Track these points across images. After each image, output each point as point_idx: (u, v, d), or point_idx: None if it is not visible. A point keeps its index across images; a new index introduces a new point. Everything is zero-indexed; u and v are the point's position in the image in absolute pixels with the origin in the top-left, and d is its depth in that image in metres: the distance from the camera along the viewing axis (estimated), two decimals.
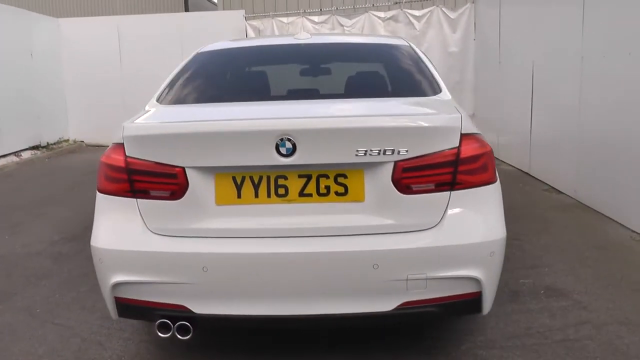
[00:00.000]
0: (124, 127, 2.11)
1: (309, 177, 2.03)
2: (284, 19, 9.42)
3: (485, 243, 2.06)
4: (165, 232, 2.06)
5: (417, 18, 9.08)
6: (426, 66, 2.71)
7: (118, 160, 2.08)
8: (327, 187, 2.03)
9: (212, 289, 2.01)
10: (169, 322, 2.05)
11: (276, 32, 9.41)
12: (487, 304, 2.13)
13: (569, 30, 4.99)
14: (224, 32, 9.49)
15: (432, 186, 2.04)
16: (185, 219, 2.05)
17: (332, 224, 2.02)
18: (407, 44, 2.98)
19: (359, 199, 2.03)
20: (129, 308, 2.13)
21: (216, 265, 1.99)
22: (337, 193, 2.03)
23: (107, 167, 2.13)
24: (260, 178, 2.03)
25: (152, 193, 2.06)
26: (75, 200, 5.78)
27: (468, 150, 2.06)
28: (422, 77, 2.61)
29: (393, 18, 9.18)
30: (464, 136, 2.06)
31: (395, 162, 2.01)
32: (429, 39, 9.00)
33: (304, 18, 9.40)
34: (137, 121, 2.22)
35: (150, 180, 2.05)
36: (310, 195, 2.03)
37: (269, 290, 2.02)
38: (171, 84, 2.68)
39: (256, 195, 2.04)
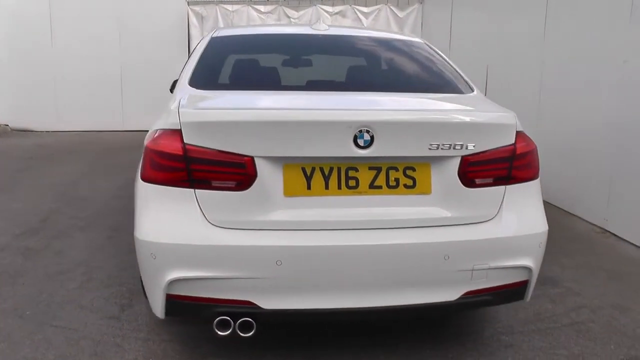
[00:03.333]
0: (179, 112, 1.98)
1: (379, 170, 2.03)
2: (229, 7, 9.19)
3: (536, 234, 2.18)
4: (227, 225, 1.96)
5: (365, 15, 9.23)
6: (450, 65, 2.79)
7: (174, 147, 1.95)
8: (397, 180, 2.04)
9: (284, 283, 1.95)
10: (229, 319, 1.97)
11: (220, 20, 9.16)
12: (530, 292, 2.25)
13: (530, 34, 5.32)
14: (164, 16, 9.12)
15: (491, 180, 2.12)
16: (251, 211, 1.96)
17: (401, 216, 2.04)
18: (423, 42, 3.04)
19: (426, 191, 2.07)
20: (181, 306, 2.00)
21: (291, 259, 1.93)
22: (405, 186, 2.05)
23: (158, 154, 1.99)
24: (331, 169, 2.00)
25: (215, 183, 1.95)
26: (19, 190, 5.34)
27: (522, 147, 2.16)
28: (451, 75, 2.68)
29: (341, 13, 9.27)
30: (518, 133, 2.16)
31: (462, 157, 2.06)
32: None
33: (249, 7, 9.22)
34: (190, 106, 2.09)
35: (213, 169, 1.94)
36: (380, 187, 2.03)
37: (341, 282, 1.99)
38: (200, 68, 2.54)
39: (326, 187, 2.00)
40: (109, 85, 9.14)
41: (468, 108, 2.32)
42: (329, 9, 9.28)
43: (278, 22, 9.07)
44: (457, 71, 2.73)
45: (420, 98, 2.40)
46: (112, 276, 3.27)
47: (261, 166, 1.95)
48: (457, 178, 2.07)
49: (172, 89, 4.60)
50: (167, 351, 2.45)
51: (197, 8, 9.17)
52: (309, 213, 1.99)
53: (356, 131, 1.93)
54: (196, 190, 1.96)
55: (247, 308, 1.95)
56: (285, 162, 1.98)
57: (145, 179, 2.03)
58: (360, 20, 9.24)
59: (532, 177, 2.23)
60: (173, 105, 2.15)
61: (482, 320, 2.78)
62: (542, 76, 5.12)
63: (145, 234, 1.99)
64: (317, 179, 1.99)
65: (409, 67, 2.78)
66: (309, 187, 1.99)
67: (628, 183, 4.00)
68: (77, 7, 9.01)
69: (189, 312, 2.07)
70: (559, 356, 2.47)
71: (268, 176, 1.96)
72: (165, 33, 9.13)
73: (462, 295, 2.09)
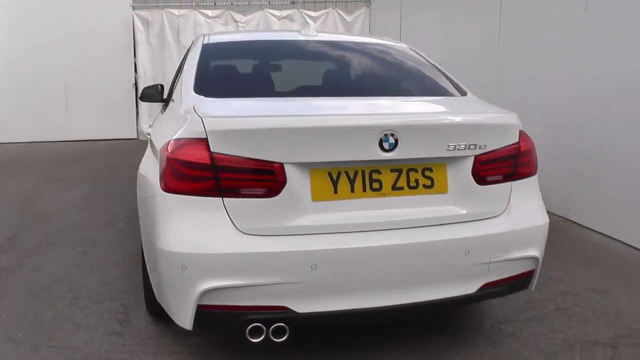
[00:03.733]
0: (203, 121, 1.96)
1: (400, 171, 2.09)
2: (175, 11, 9.00)
3: (541, 226, 2.32)
4: (258, 232, 1.95)
5: (313, 19, 9.31)
6: (440, 68, 2.91)
7: (201, 156, 1.92)
8: (417, 180, 2.11)
9: (319, 286, 1.97)
10: (262, 325, 1.97)
11: (166, 25, 8.97)
12: (535, 281, 2.39)
13: (484, 36, 5.58)
14: (109, 21, 8.81)
15: (500, 177, 2.25)
16: (280, 217, 1.97)
17: (423, 215, 2.11)
18: (408, 47, 3.15)
19: (443, 190, 2.15)
20: (212, 316, 1.97)
21: (326, 262, 1.95)
22: (424, 186, 2.13)
23: (183, 164, 1.95)
24: (356, 173, 2.05)
25: (244, 191, 1.94)
26: None
27: (524, 145, 2.30)
28: (445, 79, 2.80)
29: (289, 17, 9.30)
30: (520, 132, 2.30)
31: (476, 156, 2.17)
32: None
33: (196, 11, 9.08)
34: (212, 114, 2.07)
35: (242, 177, 1.94)
36: (401, 188, 2.10)
37: (372, 282, 2.04)
38: (202, 75, 2.52)
39: (352, 190, 2.04)
40: (53, 94, 8.69)
41: (476, 110, 2.43)
42: (277, 13, 9.29)
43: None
44: (447, 75, 2.85)
45: (429, 102, 2.50)
46: (100, 292, 3.16)
47: (290, 172, 1.96)
48: (471, 176, 2.18)
49: (142, 98, 4.50)
50: None
51: (142, 13, 8.93)
52: (338, 216, 2.02)
53: (382, 135, 1.99)
54: (224, 198, 1.94)
55: (281, 313, 1.96)
56: (312, 167, 2.00)
57: (168, 189, 1.99)
58: (308, 24, 9.30)
59: (532, 172, 2.37)
60: (188, 114, 2.12)
61: (479, 313, 2.90)
62: (498, 77, 5.38)
63: (173, 245, 1.95)
64: (343, 182, 2.03)
65: (406, 71, 2.87)
66: (335, 191, 2.03)
67: (587, 175, 4.29)
68: (17, 12, 8.52)
69: (220, 321, 2.04)
70: (557, 340, 2.63)
71: (296, 182, 1.98)
72: (110, 38, 8.81)
73: (480, 287, 2.19)
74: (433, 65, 2.93)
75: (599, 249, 3.96)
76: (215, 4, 9.20)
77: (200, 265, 1.92)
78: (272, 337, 1.98)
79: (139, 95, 4.67)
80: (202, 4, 9.16)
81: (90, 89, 8.72)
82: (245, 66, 2.80)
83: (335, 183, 2.02)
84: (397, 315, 2.28)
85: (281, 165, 1.95)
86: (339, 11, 9.35)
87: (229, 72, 2.71)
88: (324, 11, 9.34)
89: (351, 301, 2.01)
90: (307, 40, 2.97)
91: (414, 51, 3.08)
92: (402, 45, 3.15)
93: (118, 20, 8.81)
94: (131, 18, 8.87)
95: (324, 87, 2.65)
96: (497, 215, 2.24)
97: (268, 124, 2.00)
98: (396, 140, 2.01)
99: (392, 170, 2.08)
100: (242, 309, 1.95)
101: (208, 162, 1.92)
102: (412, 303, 2.09)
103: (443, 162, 2.15)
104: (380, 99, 2.42)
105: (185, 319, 1.99)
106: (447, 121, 2.17)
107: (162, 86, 4.43)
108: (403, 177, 2.10)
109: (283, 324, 1.98)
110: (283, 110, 2.21)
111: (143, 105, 9.21)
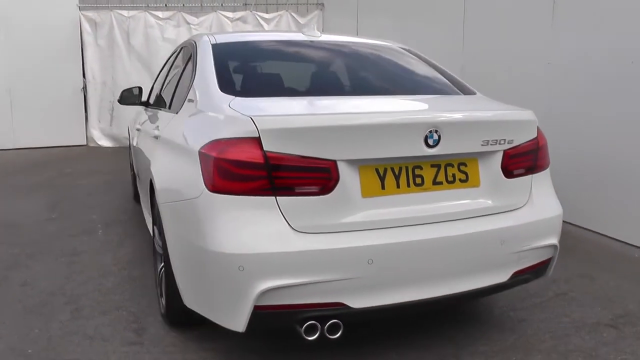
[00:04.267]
0: (254, 120, 1.94)
1: (439, 167, 2.17)
2: (125, 13, 8.73)
3: (558, 216, 2.48)
4: (312, 230, 1.96)
5: (267, 21, 9.30)
6: (441, 67, 3.02)
7: (254, 155, 1.91)
8: (453, 175, 2.20)
9: (374, 281, 2.00)
10: (317, 323, 1.98)
11: (115, 27, 8.67)
12: (552, 267, 2.54)
13: (448, 40, 5.80)
14: (55, 23, 8.40)
15: (523, 170, 2.38)
16: (333, 214, 1.99)
17: (461, 208, 2.20)
18: (408, 48, 3.24)
19: (476, 184, 2.25)
20: (267, 316, 1.95)
21: (382, 257, 1.99)
22: (460, 180, 2.21)
23: (234, 164, 1.93)
24: (400, 169, 2.10)
25: (298, 189, 1.95)
26: None
27: (541, 140, 2.45)
28: (450, 78, 2.91)
29: (242, 19, 9.24)
30: (538, 128, 2.44)
31: (504, 151, 2.28)
32: None
33: (146, 13, 8.83)
34: (261, 113, 2.05)
35: (296, 175, 1.94)
36: (441, 183, 2.17)
37: (421, 275, 2.09)
38: (225, 75, 2.49)
39: (398, 186, 2.09)
40: None
41: (498, 107, 2.54)
42: (230, 14, 9.21)
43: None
44: (452, 74, 2.97)
45: (457, 100, 2.59)
46: (101, 302, 3.03)
47: (342, 169, 1.99)
48: (500, 170, 2.29)
49: (120, 100, 4.35)
50: None
51: (89, 14, 8.58)
52: (387, 212, 2.07)
53: (427, 131, 2.06)
54: (278, 197, 1.94)
55: (337, 310, 1.98)
56: (360, 164, 2.04)
57: (216, 190, 1.96)
58: (262, 26, 9.29)
59: (547, 165, 2.52)
60: (226, 113, 2.10)
61: (484, 303, 3.02)
62: (464, 80, 5.61)
63: (228, 246, 1.92)
64: (390, 178, 2.08)
65: (418, 71, 2.94)
66: (383, 187, 2.07)
67: (556, 170, 4.56)
68: None
69: (275, 321, 2.02)
70: (565, 323, 2.80)
71: (348, 179, 2.00)
72: (56, 41, 8.41)
73: (512, 275, 2.31)
74: (436, 65, 3.04)
75: (573, 237, 4.22)
76: (166, 5, 8.98)
77: (258, 265, 1.90)
78: (327, 334, 2.00)
79: (117, 98, 4.52)
80: (152, 5, 8.92)
81: (36, 94, 8.29)
82: (264, 66, 2.78)
83: (382, 179, 2.07)
84: (441, 305, 2.34)
85: (334, 162, 1.97)
86: (292, 13, 9.39)
87: (251, 72, 2.69)
88: (277, 13, 9.35)
89: (403, 294, 2.06)
90: (316, 41, 2.99)
91: (415, 52, 3.18)
92: (405, 47, 3.23)
93: (64, 22, 8.43)
94: (78, 19, 8.50)
95: (349, 86, 2.68)
96: (522, 207, 2.36)
97: (322, 122, 2.02)
98: (439, 137, 2.08)
99: (432, 166, 2.16)
100: (298, 307, 1.94)
101: (262, 161, 1.91)
102: (456, 293, 2.17)
103: (475, 157, 2.24)
104: (411, 97, 2.49)
105: (238, 321, 1.96)
106: (483, 118, 2.27)
107: (140, 89, 4.32)
108: (442, 172, 2.17)
109: (337, 321, 1.99)
110: (328, 109, 2.23)
111: (92, 110, 8.87)
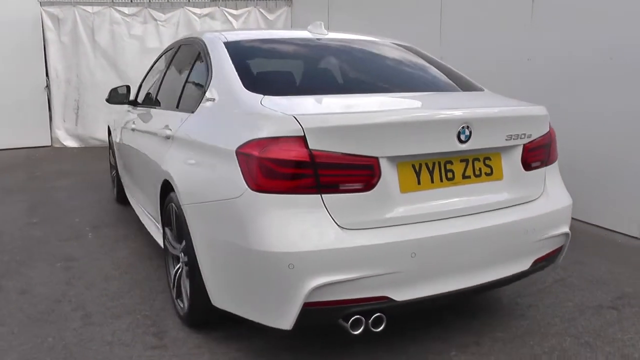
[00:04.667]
0: (298, 118, 1.96)
1: (467, 161, 2.24)
2: (89, 8, 8.45)
3: (569, 205, 2.59)
4: (356, 226, 1.99)
5: (235, 17, 9.20)
6: (445, 64, 3.10)
7: (300, 154, 1.92)
8: (480, 169, 2.27)
9: (416, 274, 2.05)
10: (362, 317, 2.01)
11: (79, 23, 8.39)
12: (564, 254, 2.67)
13: (427, 35, 5.91)
14: (13, 18, 8.05)
15: (539, 163, 2.48)
16: (375, 210, 2.03)
17: (488, 200, 2.28)
18: (408, 44, 3.30)
19: (500, 177, 2.34)
20: (315, 313, 1.97)
21: (423, 250, 2.04)
22: (486, 174, 2.29)
23: (278, 163, 1.94)
24: (434, 164, 2.16)
25: (343, 186, 1.97)
26: None
27: (552, 134, 2.56)
28: (458, 75, 2.99)
29: (210, 15, 9.11)
30: (549, 123, 2.56)
31: (524, 145, 2.38)
32: None
33: (111, 9, 8.58)
34: (303, 111, 2.06)
35: (341, 173, 1.96)
36: (469, 177, 2.24)
37: (458, 266, 2.16)
38: (247, 74, 2.47)
39: (432, 181, 2.15)
40: None
41: (512, 103, 2.63)
42: (198, 11, 9.06)
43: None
44: (459, 72, 3.05)
45: (476, 97, 2.66)
46: (110, 307, 2.96)
47: (383, 166, 2.04)
48: (520, 163, 2.39)
49: (109, 100, 4.25)
50: None
51: (51, 9, 8.26)
52: (424, 206, 2.13)
53: (460, 127, 2.13)
54: (323, 195, 1.96)
55: (381, 303, 2.02)
56: (399, 161, 2.08)
57: (260, 189, 1.96)
58: (230, 22, 9.19)
59: (556, 158, 2.64)
60: (260, 112, 2.10)
61: (492, 293, 3.13)
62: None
63: (277, 245, 1.92)
64: (425, 173, 2.14)
65: (430, 68, 2.99)
66: (419, 182, 2.13)
67: None
68: None
69: (322, 317, 2.03)
70: (569, 307, 2.94)
71: (388, 175, 2.05)
72: (17, 38, 8.05)
73: (533, 263, 2.41)
74: (440, 62, 3.12)
75: None
76: (132, 1, 8.75)
77: (309, 263, 1.91)
78: (371, 328, 2.03)
79: (106, 97, 4.39)
80: (118, 1, 8.67)
81: None
82: (282, 64, 2.77)
83: (418, 174, 2.12)
84: (474, 294, 2.41)
85: (377, 159, 2.01)
86: (260, 10, 9.33)
87: (272, 70, 2.68)
88: (245, 9, 9.27)
89: (442, 285, 2.12)
90: (327, 38, 3.02)
91: (417, 49, 3.24)
92: (409, 45, 3.29)
93: (25, 18, 8.08)
94: (40, 15, 8.17)
95: (372, 83, 2.70)
96: (538, 198, 2.47)
97: (365, 120, 2.05)
98: (470, 133, 2.15)
99: (461, 161, 2.23)
100: (345, 303, 1.97)
101: (307, 159, 1.93)
102: (487, 282, 2.25)
103: (498, 151, 2.33)
104: (435, 94, 2.56)
105: (286, 319, 1.97)
106: (508, 114, 2.36)
107: (128, 87, 4.23)
108: (470, 167, 2.25)
109: (381, 314, 2.04)
110: (367, 107, 2.26)
111: (56, 109, 8.57)
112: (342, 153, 1.96)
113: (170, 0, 8.96)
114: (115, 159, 5.09)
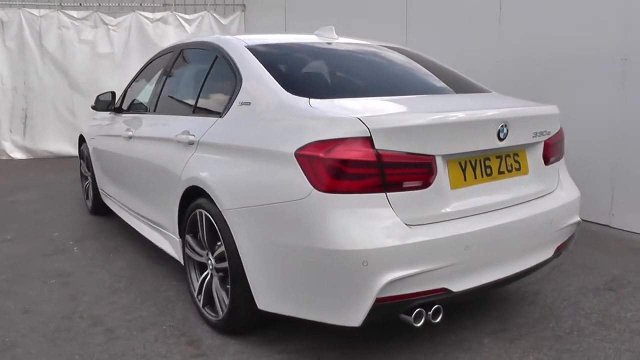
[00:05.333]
0: (363, 120, 2.01)
1: (501, 158, 2.38)
2: (35, 11, 8.04)
3: (579, 197, 2.80)
4: (417, 222, 2.07)
5: (189, 21, 9.05)
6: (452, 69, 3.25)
7: (367, 154, 1.99)
8: (511, 165, 2.42)
9: (470, 265, 2.15)
10: (423, 309, 2.09)
11: (25, 27, 7.97)
12: (574, 241, 2.87)
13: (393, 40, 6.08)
14: None
15: (555, 158, 2.67)
16: (431, 206, 2.12)
17: (520, 192, 2.44)
18: (408, 48, 3.42)
19: (526, 172, 2.50)
20: (383, 308, 2.02)
21: (476, 242, 2.15)
22: (516, 169, 2.44)
23: (347, 163, 1.99)
24: (476, 161, 2.28)
25: (405, 184, 2.05)
26: None
27: (562, 131, 2.76)
28: (467, 78, 3.14)
29: (162, 20, 8.91)
30: None
31: (545, 141, 2.55)
32: None
33: (59, 12, 8.21)
34: (366, 113, 2.11)
35: (404, 172, 2.05)
36: (503, 172, 2.39)
37: (503, 255, 2.29)
38: (283, 77, 2.49)
39: (475, 177, 2.27)
40: None
41: (530, 102, 2.80)
42: (150, 15, 8.84)
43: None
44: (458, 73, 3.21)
45: (501, 98, 2.80)
46: (130, 320, 2.86)
47: (438, 164, 2.14)
48: (541, 158, 2.56)
49: (96, 107, 4.10)
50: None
51: None
52: (471, 201, 2.24)
53: (499, 126, 2.26)
54: (388, 193, 2.03)
55: (441, 295, 2.10)
56: (449, 159, 2.19)
57: (328, 189, 2.00)
58: (183, 27, 9.03)
59: (564, 154, 2.84)
60: (325, 114, 2.15)
61: None
62: None
63: (350, 243, 1.97)
64: (469, 170, 2.26)
65: (442, 71, 3.10)
66: (465, 179, 2.24)
67: None
68: None
69: (389, 312, 2.08)
70: (572, 291, 3.16)
71: (441, 173, 2.15)
72: None
73: (555, 250, 2.59)
74: (447, 66, 3.26)
75: None
76: (81, 4, 8.40)
77: (382, 259, 1.97)
78: (431, 320, 2.12)
79: (92, 104, 4.22)
80: (66, 4, 8.31)
81: None
82: (311, 67, 2.78)
83: (464, 171, 2.24)
84: (512, 282, 2.55)
85: (433, 157, 2.11)
86: (214, 14, 9.23)
87: (307, 72, 2.70)
88: (199, 14, 9.14)
89: (490, 275, 2.24)
90: (345, 42, 3.10)
91: (422, 55, 3.37)
92: (410, 49, 3.41)
93: None
94: None
95: (406, 85, 2.78)
96: (554, 190, 2.65)
97: (425, 120, 2.13)
98: (507, 131, 2.29)
99: (496, 157, 2.37)
100: (409, 297, 2.04)
101: (374, 159, 1.99)
102: (523, 270, 2.40)
103: (524, 148, 2.49)
104: (465, 96, 2.70)
105: (356, 315, 2.01)
106: (536, 112, 2.52)
107: (113, 93, 4.11)
108: (503, 162, 2.39)
109: (439, 305, 2.13)
110: (417, 108, 2.35)
111: (2, 119, 8.11)
112: (406, 152, 2.05)
113: (121, 4, 8.69)
114: (89, 169, 4.89)
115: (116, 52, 8.57)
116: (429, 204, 2.12)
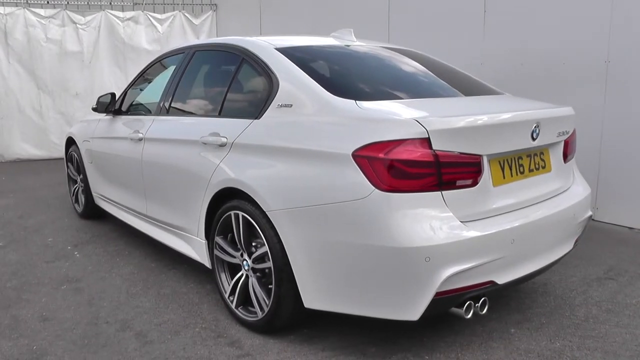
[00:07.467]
0: (421, 122, 2.10)
1: (531, 156, 2.53)
2: (0, 9, 7.69)
3: (590, 192, 2.98)
4: (467, 218, 2.19)
5: (160, 21, 8.89)
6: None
7: (425, 155, 2.08)
8: (538, 163, 2.57)
9: (513, 258, 2.27)
10: (472, 302, 2.21)
11: None
12: (583, 234, 3.06)
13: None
14: None
15: (571, 156, 2.85)
16: (478, 203, 2.23)
17: (548, 188, 2.60)
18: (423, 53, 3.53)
19: (550, 169, 2.65)
20: (440, 302, 2.12)
21: (520, 236, 2.28)
22: (542, 167, 2.60)
23: (407, 163, 2.07)
24: (512, 159, 2.42)
25: (458, 183, 2.16)
26: None
27: (575, 131, 2.94)
28: (477, 79, 3.28)
29: (133, 19, 8.71)
30: None
31: (564, 140, 2.72)
32: (173, 42, 8.95)
33: (25, 10, 7.90)
34: (422, 115, 2.19)
35: (458, 171, 2.15)
36: (532, 170, 2.53)
37: (540, 247, 2.43)
38: (325, 80, 2.55)
39: (512, 175, 2.40)
40: None
41: (548, 104, 2.96)
42: (120, 14, 8.63)
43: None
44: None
45: (518, 100, 2.94)
46: (160, 323, 2.84)
47: (484, 163, 2.25)
48: (561, 156, 2.73)
49: (96, 109, 4.02)
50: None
51: None
52: (511, 197, 2.38)
53: (533, 126, 2.40)
54: (443, 192, 2.13)
55: (489, 287, 2.22)
56: (491, 158, 2.31)
57: (390, 189, 2.08)
58: (155, 27, 8.87)
59: (575, 152, 3.03)
60: (381, 116, 2.21)
61: None
62: None
63: (413, 241, 2.05)
64: (507, 168, 2.39)
65: (461, 74, 3.22)
66: (504, 177, 2.37)
67: None
68: None
69: (443, 306, 2.18)
70: (576, 281, 3.35)
71: (486, 171, 2.27)
72: None
73: (574, 242, 2.76)
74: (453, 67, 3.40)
75: None
76: (48, 2, 8.12)
77: (443, 254, 2.06)
78: (479, 311, 2.23)
79: (93, 106, 4.12)
80: (32, 2, 8.00)
81: None
82: (350, 70, 2.81)
83: (502, 169, 2.37)
84: (542, 273, 2.68)
85: (481, 157, 2.23)
86: (185, 14, 9.11)
87: (346, 74, 2.75)
88: (170, 14, 9.00)
89: (528, 267, 2.38)
90: (372, 45, 3.19)
91: (432, 57, 3.49)
92: (421, 52, 3.52)
93: None
94: None
95: (442, 88, 2.87)
96: (571, 186, 2.83)
97: (477, 122, 2.23)
98: (539, 131, 2.44)
99: (527, 156, 2.51)
100: (462, 290, 2.14)
101: (432, 159, 2.09)
102: (552, 262, 2.55)
103: (547, 147, 2.64)
104: (497, 98, 2.84)
105: (415, 309, 2.10)
106: (560, 114, 2.67)
107: (113, 94, 4.04)
108: (532, 161, 2.54)
109: (485, 297, 2.24)
110: (464, 110, 2.44)
111: None
112: (458, 152, 2.16)
113: (90, 3, 8.45)
114: (80, 173, 4.77)
115: (85, 51, 8.32)
116: (477, 201, 2.24)
